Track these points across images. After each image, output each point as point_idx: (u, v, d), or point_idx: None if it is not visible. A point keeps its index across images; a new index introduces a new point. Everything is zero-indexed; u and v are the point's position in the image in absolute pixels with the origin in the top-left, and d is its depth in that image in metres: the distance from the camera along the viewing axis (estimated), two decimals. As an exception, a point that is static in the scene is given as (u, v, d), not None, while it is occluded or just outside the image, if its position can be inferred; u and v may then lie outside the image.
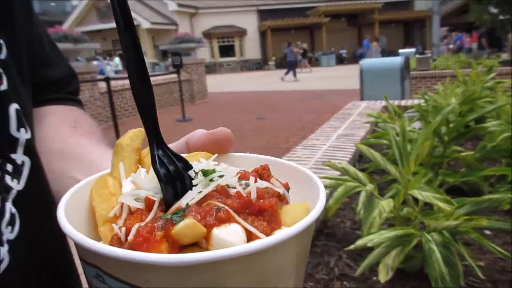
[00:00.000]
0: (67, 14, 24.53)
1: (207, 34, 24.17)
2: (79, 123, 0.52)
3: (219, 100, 10.59)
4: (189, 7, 23.46)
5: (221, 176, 0.25)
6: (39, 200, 0.40)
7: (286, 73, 15.65)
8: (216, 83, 15.61)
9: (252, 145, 5.08)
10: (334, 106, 7.37)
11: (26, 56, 0.45)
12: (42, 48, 0.54)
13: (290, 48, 16.58)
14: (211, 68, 22.41)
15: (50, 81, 0.55)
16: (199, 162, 0.27)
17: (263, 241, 0.20)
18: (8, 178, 0.36)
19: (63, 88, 0.57)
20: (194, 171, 0.25)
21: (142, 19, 20.67)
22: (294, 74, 15.46)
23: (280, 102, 9.22)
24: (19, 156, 0.38)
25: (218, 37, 24.64)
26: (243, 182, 0.25)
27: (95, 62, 13.80)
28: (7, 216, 0.34)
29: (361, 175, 1.82)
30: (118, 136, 5.59)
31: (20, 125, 0.38)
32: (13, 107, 0.37)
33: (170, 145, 0.30)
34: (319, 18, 24.23)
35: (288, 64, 15.94)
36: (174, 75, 8.35)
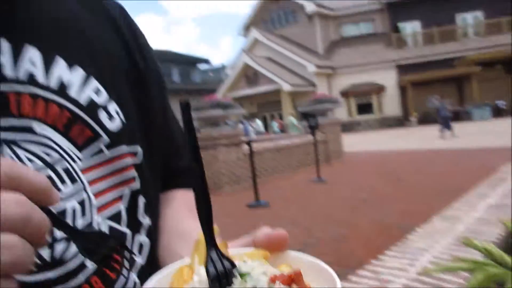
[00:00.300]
0: (222, 82, 28.23)
1: (344, 93, 24.57)
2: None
3: (356, 160, 10.50)
4: (326, 68, 24.49)
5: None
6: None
7: (443, 129, 14.25)
8: (353, 142, 15.53)
9: (387, 211, 4.88)
10: (486, 168, 6.57)
11: (159, 152, 0.54)
12: (174, 141, 0.61)
13: (441, 102, 15.40)
14: (348, 127, 22.42)
15: (178, 170, 0.61)
16: (244, 262, 0.33)
17: None
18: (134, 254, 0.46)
19: (189, 175, 0.69)
20: (237, 271, 0.30)
21: (283, 82, 22.37)
22: (449, 128, 14.08)
23: (421, 162, 8.64)
24: (142, 237, 0.48)
25: (355, 95, 24.79)
26: (272, 286, 0.28)
27: (241, 125, 15.37)
28: (130, 285, 0.45)
29: (509, 259, 1.64)
30: (257, 193, 6.06)
31: (145, 212, 0.49)
32: (142, 199, 0.48)
33: (239, 239, 0.37)
34: (467, 68, 22.27)
35: (441, 119, 14.55)
36: (310, 136, 8.72)
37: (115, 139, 0.44)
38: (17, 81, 0.37)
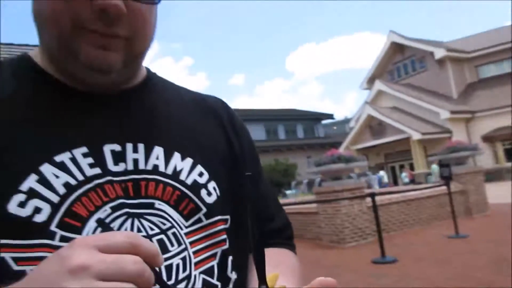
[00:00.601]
0: (346, 135, 28.07)
1: (488, 138, 21.77)
2: (284, 263, 0.66)
3: (504, 213, 8.99)
4: (464, 113, 22.30)
5: None
6: None
7: None
8: (501, 193, 13.41)
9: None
10: None
11: (252, 217, 0.66)
12: (267, 206, 0.70)
13: None
14: (496, 175, 19.52)
15: (270, 231, 0.69)
16: None
17: None
18: None
19: (280, 236, 0.71)
20: None
21: (412, 131, 21.10)
22: None
23: None
24: None
25: (502, 139, 21.70)
26: None
27: (363, 178, 14.84)
28: None
29: None
30: (383, 249, 5.68)
31: (233, 269, 0.56)
32: (230, 258, 0.56)
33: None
34: None
35: None
36: (445, 187, 7.92)
37: (211, 210, 0.56)
38: (146, 171, 0.52)
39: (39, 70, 0.53)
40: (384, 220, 7.63)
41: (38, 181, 0.45)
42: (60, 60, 0.51)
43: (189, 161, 0.57)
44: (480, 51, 24.80)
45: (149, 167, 0.53)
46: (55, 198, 0.45)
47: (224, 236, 0.57)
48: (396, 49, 27.10)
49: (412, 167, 22.55)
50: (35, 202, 0.44)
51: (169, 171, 0.54)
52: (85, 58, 0.49)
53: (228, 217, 0.59)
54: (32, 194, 0.44)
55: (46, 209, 0.45)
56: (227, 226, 0.58)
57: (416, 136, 21.02)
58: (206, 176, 0.58)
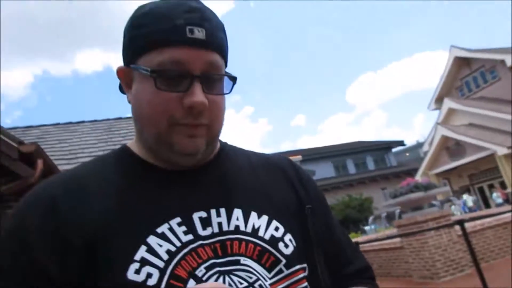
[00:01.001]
0: (420, 160, 26.48)
1: None
2: None
3: None
4: (554, 118, 20.05)
5: None
6: None
7: None
8: None
9: None
10: None
11: (329, 263, 0.69)
12: (344, 250, 0.77)
13: None
14: None
15: (350, 274, 0.74)
16: None
17: None
18: None
19: (362, 277, 0.76)
20: None
21: (496, 146, 19.34)
22: None
23: None
24: None
25: None
26: None
27: (448, 204, 13.69)
28: None
29: None
30: (483, 280, 5.12)
31: None
32: None
33: None
34: None
35: None
36: (545, 204, 7.06)
37: (290, 260, 0.63)
38: (229, 232, 0.61)
39: (137, 158, 0.67)
40: (480, 248, 6.94)
41: (147, 251, 0.56)
42: (157, 150, 0.65)
43: (265, 218, 0.66)
44: (559, 49, 22.60)
45: (232, 228, 0.62)
46: (161, 264, 0.56)
47: (305, 284, 0.63)
48: (461, 63, 25.66)
49: (503, 185, 20.39)
50: (147, 269, 0.54)
51: (249, 229, 0.63)
52: (179, 147, 0.62)
53: (305, 265, 0.65)
54: (144, 262, 0.55)
55: (155, 274, 0.55)
56: (306, 274, 0.64)
57: (501, 151, 19.17)
58: (281, 229, 0.66)
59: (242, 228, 0.63)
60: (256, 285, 0.58)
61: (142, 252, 0.55)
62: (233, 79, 0.64)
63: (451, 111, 23.88)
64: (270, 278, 0.60)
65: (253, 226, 0.63)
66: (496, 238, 7.37)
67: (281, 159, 0.81)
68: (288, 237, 0.65)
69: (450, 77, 26.59)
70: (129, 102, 0.66)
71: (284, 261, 0.62)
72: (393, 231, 11.03)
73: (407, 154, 39.86)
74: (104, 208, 0.58)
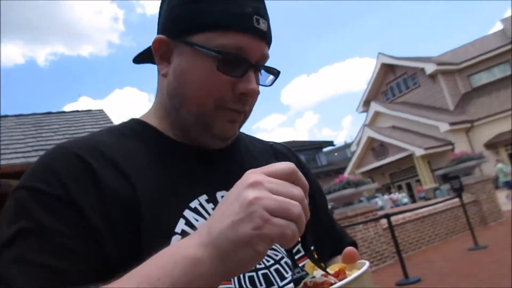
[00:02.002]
0: (348, 160, 28.06)
1: (491, 145, 21.75)
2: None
3: (521, 219, 8.89)
4: (463, 123, 22.41)
5: (313, 277, 0.48)
6: None
7: None
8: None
9: None
10: None
11: (327, 238, 0.78)
12: (336, 232, 0.84)
13: None
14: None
15: (342, 248, 0.85)
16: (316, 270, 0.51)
17: (348, 278, 0.43)
18: None
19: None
20: (309, 277, 0.49)
21: (415, 148, 21.14)
22: None
23: None
24: None
25: (505, 144, 21.68)
26: (324, 278, 0.46)
27: (375, 200, 14.71)
28: None
29: None
30: (405, 270, 5.57)
31: None
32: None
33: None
34: None
35: None
36: (457, 199, 7.88)
37: (305, 241, 0.67)
38: None
39: (160, 134, 0.65)
40: (401, 240, 7.53)
41: (186, 224, 0.56)
42: (191, 129, 0.64)
43: None
44: (469, 61, 25.27)
45: None
46: None
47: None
48: (387, 69, 27.64)
49: (419, 184, 22.39)
50: None
51: None
52: (219, 131, 0.63)
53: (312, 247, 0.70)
54: (185, 235, 0.53)
55: None
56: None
57: (419, 152, 21.02)
58: None
59: None
60: (282, 262, 0.63)
61: (181, 225, 0.56)
62: (277, 74, 0.66)
63: (377, 114, 25.62)
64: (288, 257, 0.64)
65: None
66: (415, 231, 8.06)
67: (283, 147, 0.84)
68: None
69: (377, 82, 28.51)
70: (163, 75, 0.64)
71: (299, 242, 0.63)
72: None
73: (336, 154, 41.97)
74: (139, 182, 0.56)
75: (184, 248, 0.42)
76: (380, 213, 8.96)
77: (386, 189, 23.85)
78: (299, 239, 0.44)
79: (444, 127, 21.66)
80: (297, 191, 0.42)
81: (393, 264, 6.69)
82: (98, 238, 0.50)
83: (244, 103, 0.61)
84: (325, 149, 38.73)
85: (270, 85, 0.66)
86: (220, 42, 0.57)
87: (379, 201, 18.08)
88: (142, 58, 0.72)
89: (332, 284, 0.45)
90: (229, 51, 0.57)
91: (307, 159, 35.48)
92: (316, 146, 36.99)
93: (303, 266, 0.52)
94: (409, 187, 24.39)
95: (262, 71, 0.65)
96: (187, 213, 0.57)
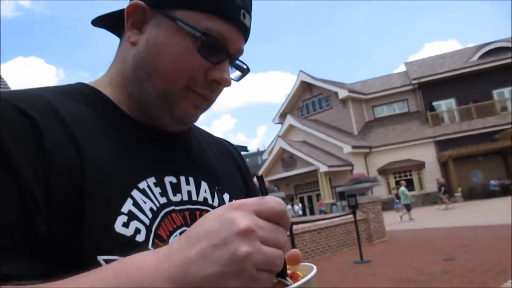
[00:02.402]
0: (259, 167, 28.83)
1: (382, 171, 24.29)
2: None
3: (399, 239, 10.06)
4: (363, 148, 24.66)
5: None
6: None
7: None
8: (395, 221, 14.95)
9: (438, 291, 4.62)
10: (544, 243, 6.13)
11: None
12: None
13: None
14: (389, 205, 21.73)
15: None
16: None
17: (299, 282, 0.42)
18: None
19: None
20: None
21: (320, 164, 22.63)
22: None
23: (471, 240, 8.16)
24: None
25: (394, 172, 24.40)
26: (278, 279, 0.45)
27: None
28: None
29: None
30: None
31: None
32: None
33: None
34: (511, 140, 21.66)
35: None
36: (350, 216, 8.62)
37: None
38: (199, 203, 0.61)
39: (113, 105, 0.61)
40: (298, 248, 7.95)
41: (134, 205, 0.52)
42: (151, 105, 0.60)
43: (227, 196, 0.67)
44: (375, 93, 28.04)
45: (200, 199, 0.62)
46: (147, 221, 0.52)
47: None
48: (305, 87, 29.26)
49: (318, 198, 23.99)
50: (135, 224, 0.51)
51: (215, 204, 0.64)
52: (180, 114, 0.60)
53: None
54: (131, 216, 0.50)
55: (143, 230, 0.51)
56: None
57: (323, 168, 22.55)
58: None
59: (210, 201, 0.63)
60: None
61: (129, 205, 0.51)
62: (246, 71, 0.66)
63: (291, 127, 26.91)
64: None
65: (219, 202, 0.65)
66: (311, 241, 8.61)
67: (228, 143, 0.84)
68: None
69: (294, 97, 29.97)
70: (132, 43, 0.59)
71: None
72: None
73: (248, 160, 42.85)
74: (88, 151, 0.51)
75: (150, 273, 0.38)
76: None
77: (290, 199, 25.04)
78: None
79: (347, 148, 23.61)
80: (283, 238, 0.40)
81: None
82: (29, 208, 0.43)
83: (213, 91, 0.60)
84: (237, 154, 39.17)
85: (237, 80, 0.66)
86: (206, 25, 0.56)
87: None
88: (102, 21, 0.67)
89: (287, 285, 0.44)
90: (214, 36, 0.56)
91: (218, 160, 35.58)
92: (229, 149, 37.26)
93: None
94: (310, 200, 25.98)
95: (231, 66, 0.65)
96: (135, 193, 0.53)
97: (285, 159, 24.80)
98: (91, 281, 0.38)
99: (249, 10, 0.61)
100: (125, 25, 0.60)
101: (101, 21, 0.67)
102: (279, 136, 25.96)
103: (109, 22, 0.66)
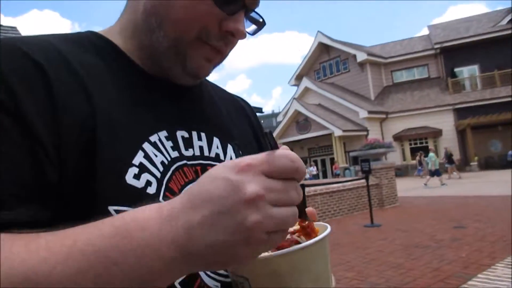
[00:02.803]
0: (273, 129, 28.84)
1: (398, 137, 24.03)
2: None
3: (411, 205, 10.12)
4: (379, 113, 24.30)
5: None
6: None
7: None
8: (408, 187, 14.98)
9: (449, 258, 4.69)
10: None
11: None
12: None
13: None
14: (403, 171, 21.70)
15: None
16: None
17: (311, 240, 0.43)
18: None
19: None
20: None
21: (334, 128, 22.47)
22: None
23: (484, 210, 8.15)
24: None
25: (409, 139, 24.12)
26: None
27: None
28: None
29: None
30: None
31: None
32: None
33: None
34: (534, 110, 21.01)
35: None
36: (363, 180, 8.65)
37: None
38: (211, 158, 0.60)
39: (123, 55, 0.58)
40: (309, 210, 8.09)
41: (145, 157, 0.51)
42: (161, 56, 0.57)
43: (238, 152, 0.66)
44: (394, 57, 27.17)
45: (212, 154, 0.61)
46: (158, 174, 0.51)
47: None
48: (323, 49, 28.50)
49: (332, 161, 24.05)
50: (146, 176, 0.50)
51: (223, 157, 0.63)
52: (191, 66, 0.57)
53: None
54: (142, 168, 0.50)
55: (154, 183, 0.50)
56: None
57: (337, 132, 22.41)
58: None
59: (221, 157, 0.62)
60: None
61: (140, 158, 0.50)
62: (261, 25, 0.62)
63: (306, 90, 26.53)
64: None
65: (231, 157, 0.64)
66: (323, 204, 8.73)
67: (241, 99, 0.82)
68: None
69: (311, 59, 29.31)
70: None
71: None
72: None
73: (262, 121, 42.75)
74: (99, 102, 0.50)
75: (153, 236, 0.36)
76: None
77: (304, 162, 25.20)
78: None
79: (363, 113, 23.29)
80: (296, 194, 0.37)
81: (299, 231, 7.20)
82: (39, 157, 0.42)
83: (226, 43, 0.57)
84: (251, 115, 39.13)
85: (252, 34, 0.62)
86: None
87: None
88: None
89: (298, 243, 0.45)
90: None
91: (232, 121, 35.67)
92: (243, 111, 37.20)
93: None
94: (324, 164, 26.08)
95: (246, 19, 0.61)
96: (146, 146, 0.52)
97: (300, 121, 24.69)
98: (88, 236, 0.36)
99: None
100: None
101: None
102: (294, 98, 25.70)
103: None
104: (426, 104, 24.04)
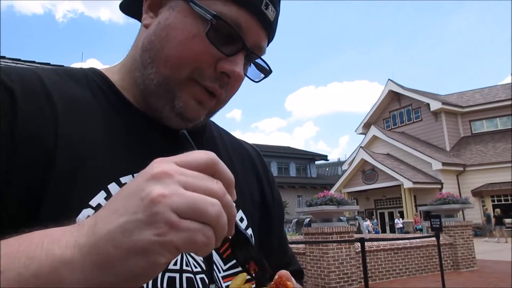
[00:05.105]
0: (338, 177, 28.09)
1: (478, 193, 21.90)
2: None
3: (492, 270, 8.93)
4: (455, 165, 22.52)
5: None
6: None
7: None
8: (491, 249, 13.35)
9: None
10: None
11: (275, 261, 0.66)
12: (285, 256, 0.75)
13: None
14: (485, 231, 19.47)
15: (292, 272, 0.76)
16: None
17: None
18: None
19: (299, 277, 0.73)
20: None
21: (404, 179, 21.19)
22: None
23: None
24: None
25: (492, 195, 21.84)
26: None
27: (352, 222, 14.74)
28: None
29: None
30: (368, 298, 5.56)
31: None
32: None
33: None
34: None
35: None
36: (433, 238, 7.89)
37: None
38: None
39: (116, 92, 0.57)
40: (371, 267, 7.52)
41: (106, 198, 0.48)
42: (151, 93, 0.55)
43: (240, 213, 0.61)
44: (474, 106, 25.44)
45: None
46: None
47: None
48: (393, 97, 27.75)
49: (402, 215, 22.48)
50: None
51: None
52: (181, 106, 0.54)
53: None
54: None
55: None
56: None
57: (407, 184, 21.08)
58: (245, 222, 0.61)
59: None
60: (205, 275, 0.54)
61: (100, 198, 0.47)
62: (268, 73, 0.59)
63: (374, 138, 25.70)
64: (224, 271, 0.56)
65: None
66: (387, 261, 8.06)
67: (253, 149, 0.76)
68: (250, 231, 0.62)
69: (381, 108, 28.61)
70: (145, 26, 0.56)
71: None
72: (299, 237, 11.53)
73: (327, 169, 42.03)
74: (67, 132, 0.48)
75: (56, 240, 0.34)
76: (357, 236, 8.94)
77: (369, 214, 23.91)
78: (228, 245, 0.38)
79: (437, 165, 21.75)
80: (216, 185, 0.34)
81: (358, 289, 6.67)
82: None
83: (221, 85, 0.53)
84: (317, 162, 38.80)
85: (257, 81, 0.58)
86: (220, 9, 0.50)
87: (362, 222, 18.18)
88: (129, 7, 0.63)
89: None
90: (226, 21, 0.50)
91: (297, 168, 35.55)
92: (310, 157, 37.05)
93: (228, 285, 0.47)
94: (391, 216, 24.47)
95: (252, 65, 0.58)
96: (113, 186, 0.48)
97: (366, 171, 23.74)
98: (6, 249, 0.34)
99: (274, 2, 0.54)
100: (143, 7, 0.57)
101: (128, 7, 0.64)
102: (361, 146, 24.96)
103: (137, 8, 0.61)
104: (507, 158, 21.82)
